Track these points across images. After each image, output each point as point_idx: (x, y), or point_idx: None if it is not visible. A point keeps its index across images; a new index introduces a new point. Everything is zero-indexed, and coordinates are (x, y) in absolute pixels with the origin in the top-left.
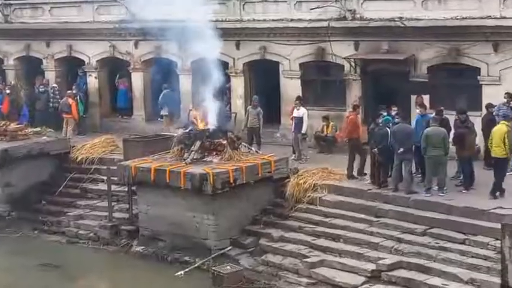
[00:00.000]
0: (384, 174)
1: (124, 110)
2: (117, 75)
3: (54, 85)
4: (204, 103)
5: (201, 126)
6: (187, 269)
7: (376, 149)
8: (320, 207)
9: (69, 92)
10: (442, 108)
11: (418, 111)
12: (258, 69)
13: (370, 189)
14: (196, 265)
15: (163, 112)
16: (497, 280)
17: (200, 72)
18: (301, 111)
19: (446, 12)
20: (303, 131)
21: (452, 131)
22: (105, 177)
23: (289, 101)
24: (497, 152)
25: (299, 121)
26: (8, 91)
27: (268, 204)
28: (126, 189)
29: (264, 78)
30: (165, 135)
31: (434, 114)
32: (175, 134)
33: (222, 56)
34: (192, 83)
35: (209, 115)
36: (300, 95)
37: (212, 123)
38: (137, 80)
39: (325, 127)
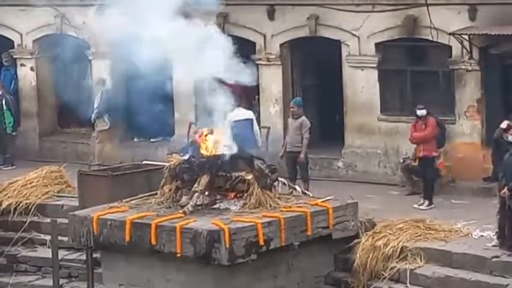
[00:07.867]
0: None
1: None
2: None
3: None
4: (215, 113)
5: (209, 150)
6: None
7: (506, 190)
8: (413, 286)
9: None
10: None
11: None
12: (306, 54)
13: (497, 256)
14: None
15: (100, 122)
16: None
17: (208, 59)
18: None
19: None
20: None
21: None
22: (48, 238)
23: (358, 107)
24: None
25: None
26: None
27: (325, 281)
28: (84, 257)
29: (315, 68)
30: (149, 164)
31: None
32: (167, 164)
33: (245, 32)
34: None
35: (223, 132)
36: (378, 93)
37: (229, 145)
38: (98, 70)
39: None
